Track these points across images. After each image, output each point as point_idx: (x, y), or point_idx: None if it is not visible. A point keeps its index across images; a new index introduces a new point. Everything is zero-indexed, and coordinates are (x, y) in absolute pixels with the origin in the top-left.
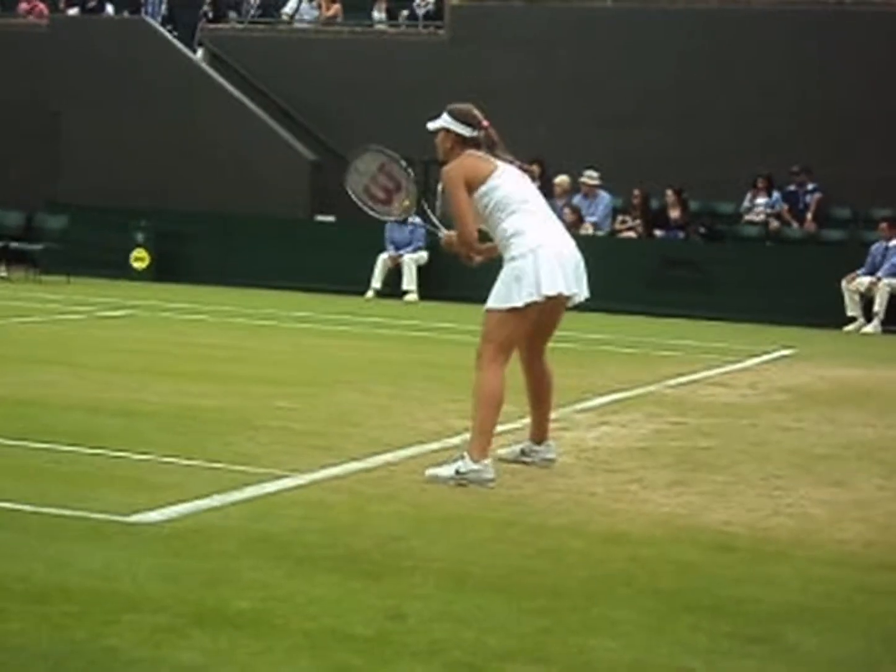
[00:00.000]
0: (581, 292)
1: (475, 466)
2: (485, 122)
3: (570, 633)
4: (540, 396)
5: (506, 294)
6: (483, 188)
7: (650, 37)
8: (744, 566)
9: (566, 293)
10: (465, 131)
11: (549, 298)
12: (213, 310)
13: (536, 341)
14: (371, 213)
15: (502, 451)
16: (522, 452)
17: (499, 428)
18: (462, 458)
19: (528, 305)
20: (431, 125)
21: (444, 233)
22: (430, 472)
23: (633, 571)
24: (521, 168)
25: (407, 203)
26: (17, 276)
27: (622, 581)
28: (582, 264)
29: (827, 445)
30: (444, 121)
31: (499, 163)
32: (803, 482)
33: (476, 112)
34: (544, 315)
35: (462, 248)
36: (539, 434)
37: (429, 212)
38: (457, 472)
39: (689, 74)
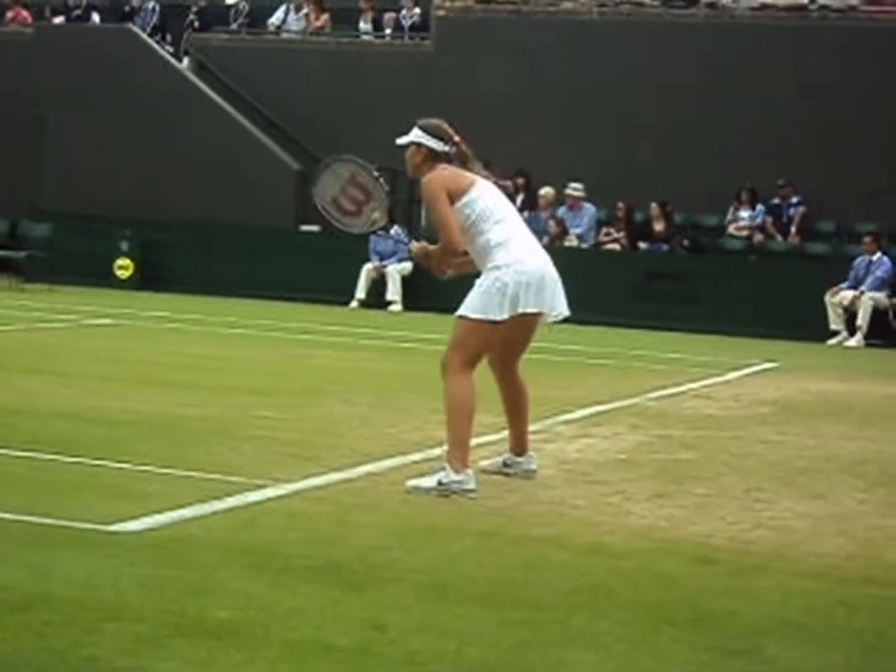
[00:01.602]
0: (561, 311)
1: (457, 477)
2: (456, 138)
3: (550, 645)
4: (516, 409)
5: (483, 305)
6: (464, 199)
7: (636, 48)
8: (725, 579)
9: (545, 312)
10: (437, 146)
11: (525, 315)
12: (197, 319)
13: (510, 356)
14: (339, 225)
15: (484, 463)
16: (504, 464)
17: (482, 439)
18: (444, 468)
19: (500, 320)
20: (401, 140)
21: (413, 244)
22: (412, 483)
23: (614, 584)
24: (496, 183)
25: (376, 215)
26: None
27: (603, 593)
28: (560, 283)
29: (809, 458)
30: (415, 135)
31: (476, 177)
32: (785, 495)
33: (447, 127)
34: (520, 330)
35: (445, 258)
36: (519, 446)
37: (396, 227)
38: (439, 482)
39: (674, 86)
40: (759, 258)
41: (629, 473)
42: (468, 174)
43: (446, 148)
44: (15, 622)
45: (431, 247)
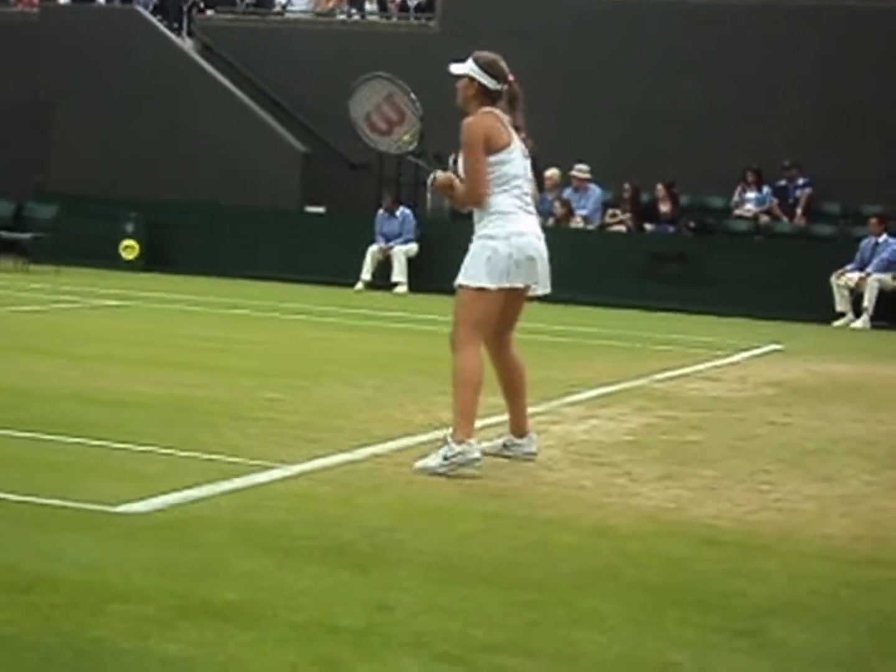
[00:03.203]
0: (543, 286)
1: (459, 448)
2: (510, 77)
3: (557, 627)
4: (513, 388)
5: (475, 272)
6: (494, 157)
7: (644, 30)
8: (731, 561)
9: (533, 286)
10: (490, 83)
11: (513, 289)
12: (203, 301)
13: (501, 331)
14: (367, 141)
15: (485, 445)
16: (504, 446)
17: (486, 421)
18: (446, 443)
19: (498, 288)
20: (456, 69)
21: (440, 173)
22: (419, 464)
23: (620, 565)
24: (528, 148)
25: (407, 138)
26: (6, 266)
27: (609, 574)
28: (546, 263)
29: (815, 440)
30: (470, 68)
31: (514, 136)
32: (791, 477)
33: (503, 64)
34: (509, 304)
35: (466, 202)
36: (519, 427)
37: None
38: (444, 458)
39: (681, 69)
40: (765, 240)
41: (635, 455)
42: (508, 131)
43: (498, 86)
44: (20, 604)
45: (458, 183)
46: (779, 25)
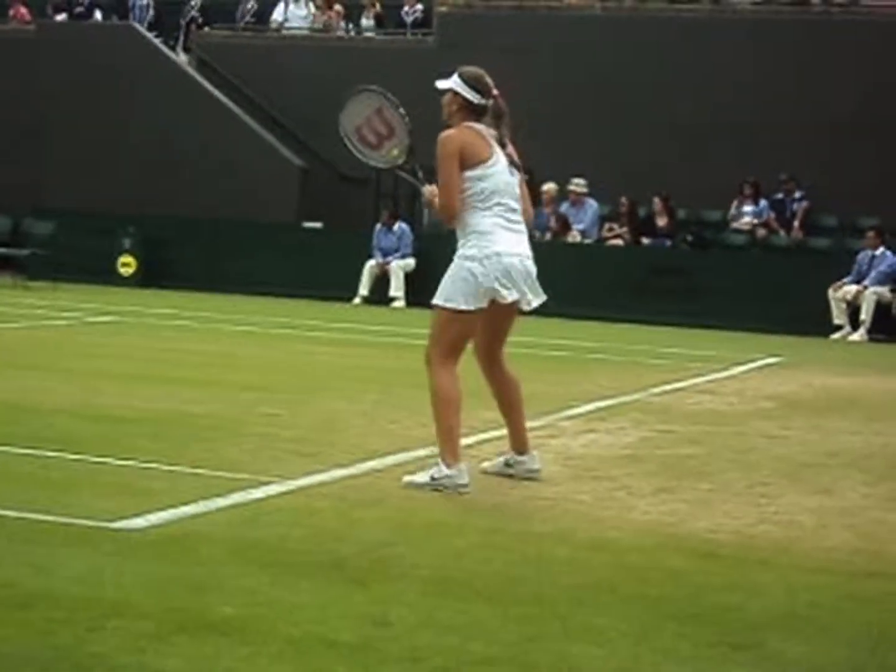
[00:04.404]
0: (534, 299)
1: (448, 472)
2: (494, 91)
3: (554, 641)
4: (510, 403)
5: (451, 293)
6: (471, 172)
7: (639, 44)
8: (729, 574)
9: (511, 300)
10: (474, 97)
11: (494, 303)
12: (200, 316)
13: (492, 347)
14: (358, 155)
15: (486, 465)
16: (506, 464)
17: (482, 436)
18: (437, 464)
19: (474, 310)
20: (441, 84)
21: (427, 187)
22: (407, 478)
23: (618, 579)
24: (513, 159)
25: (396, 152)
26: (3, 282)
27: (607, 588)
28: (534, 274)
29: (813, 453)
30: (454, 83)
31: (496, 150)
32: (789, 490)
33: (487, 79)
34: (496, 320)
35: (441, 216)
36: (519, 443)
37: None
38: (432, 477)
39: (677, 82)
40: (763, 253)
41: (633, 468)
42: (490, 144)
43: (483, 101)
44: (18, 620)
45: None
46: (776, 39)
